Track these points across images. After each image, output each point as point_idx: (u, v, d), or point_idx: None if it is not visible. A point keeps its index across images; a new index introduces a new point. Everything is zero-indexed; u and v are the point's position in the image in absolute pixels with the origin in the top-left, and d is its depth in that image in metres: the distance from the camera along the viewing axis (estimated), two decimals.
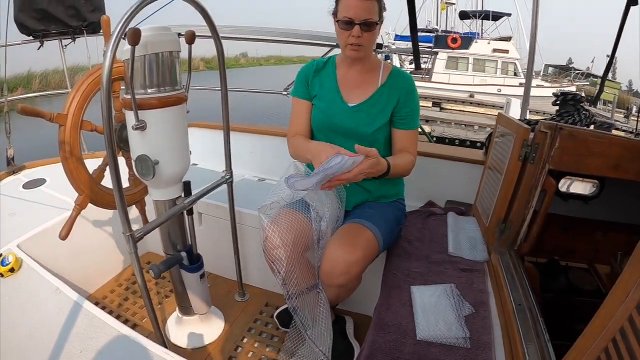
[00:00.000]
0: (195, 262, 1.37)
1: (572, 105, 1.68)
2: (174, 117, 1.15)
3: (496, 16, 19.95)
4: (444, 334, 1.03)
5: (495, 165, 1.51)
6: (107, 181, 1.18)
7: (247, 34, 2.54)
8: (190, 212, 1.37)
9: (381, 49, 2.26)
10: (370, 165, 1.12)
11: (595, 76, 17.70)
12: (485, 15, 20.09)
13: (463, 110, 13.55)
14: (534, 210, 1.33)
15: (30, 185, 1.94)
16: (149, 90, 1.09)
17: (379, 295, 1.24)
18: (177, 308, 1.53)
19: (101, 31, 1.26)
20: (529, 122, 1.62)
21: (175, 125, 1.17)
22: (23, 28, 2.42)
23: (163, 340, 1.23)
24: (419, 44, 2.29)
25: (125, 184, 1.39)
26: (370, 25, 1.22)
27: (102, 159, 1.38)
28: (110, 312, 1.65)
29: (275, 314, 1.62)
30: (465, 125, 11.58)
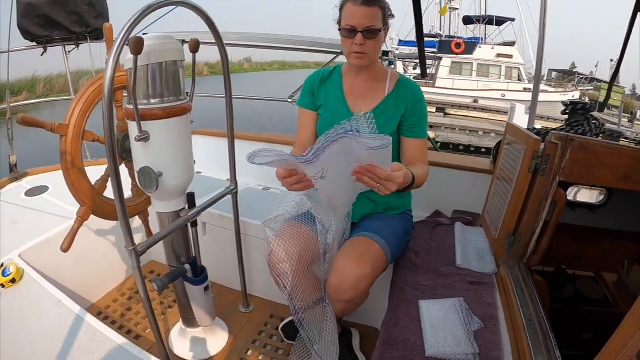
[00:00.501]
0: (199, 274, 1.35)
1: (581, 115, 1.65)
2: (178, 127, 1.13)
3: (500, 21, 19.93)
4: (452, 350, 1.01)
5: (504, 175, 1.48)
6: (109, 191, 1.15)
7: (252, 40, 2.53)
8: (194, 224, 1.34)
9: (387, 56, 2.23)
10: (405, 175, 1.01)
11: (599, 80, 17.62)
12: (489, 20, 20.07)
13: (467, 116, 13.54)
14: (543, 221, 1.30)
15: (32, 192, 1.92)
16: (152, 100, 1.07)
17: (387, 310, 1.22)
18: (180, 319, 1.51)
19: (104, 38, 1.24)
20: (538, 131, 1.60)
21: (179, 136, 1.14)
22: (26, 34, 2.41)
23: (166, 353, 1.21)
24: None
25: (127, 193, 1.38)
26: (373, 33, 1.20)
27: (104, 166, 1.36)
28: (112, 322, 1.64)
29: (280, 326, 1.59)
30: (469, 130, 11.57)
